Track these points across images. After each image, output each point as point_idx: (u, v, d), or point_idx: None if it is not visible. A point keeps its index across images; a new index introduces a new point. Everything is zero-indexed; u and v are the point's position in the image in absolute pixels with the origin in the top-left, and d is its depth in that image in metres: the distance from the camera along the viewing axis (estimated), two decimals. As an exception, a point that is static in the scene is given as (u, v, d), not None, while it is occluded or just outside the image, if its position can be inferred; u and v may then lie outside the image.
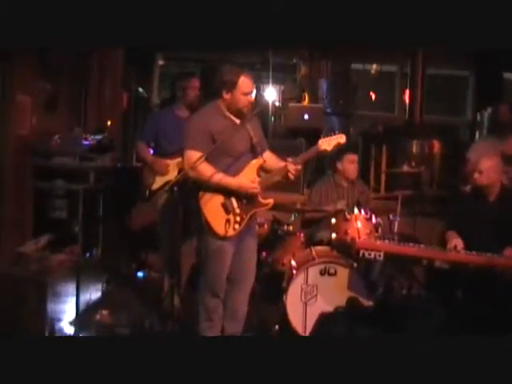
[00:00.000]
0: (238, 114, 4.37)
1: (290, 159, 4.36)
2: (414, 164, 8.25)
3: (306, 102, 9.26)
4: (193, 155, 4.24)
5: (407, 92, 10.48)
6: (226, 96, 4.32)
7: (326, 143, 4.35)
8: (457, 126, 10.91)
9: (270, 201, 4.45)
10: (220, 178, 4.26)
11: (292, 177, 4.35)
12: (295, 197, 6.63)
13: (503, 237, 4.67)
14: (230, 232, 4.33)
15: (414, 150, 8.72)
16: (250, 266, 4.56)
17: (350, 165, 6.00)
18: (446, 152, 8.75)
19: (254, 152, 4.45)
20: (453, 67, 11.16)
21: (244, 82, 4.28)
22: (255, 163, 4.44)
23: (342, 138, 4.37)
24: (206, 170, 4.25)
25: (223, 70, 4.34)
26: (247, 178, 4.36)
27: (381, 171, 7.91)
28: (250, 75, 4.35)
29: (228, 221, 4.32)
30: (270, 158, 4.53)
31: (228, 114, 4.38)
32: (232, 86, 4.27)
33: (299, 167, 4.35)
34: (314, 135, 7.78)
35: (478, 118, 10.19)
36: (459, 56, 10.33)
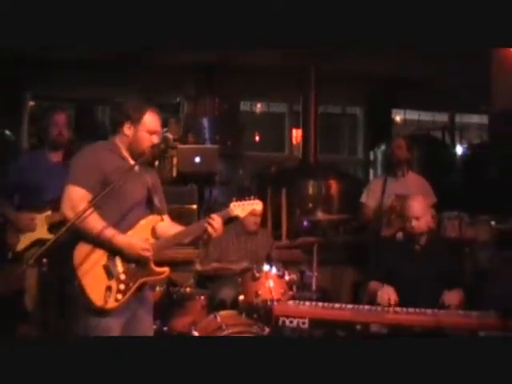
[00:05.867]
0: (137, 156, 3.62)
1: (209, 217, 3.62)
2: (312, 206, 7.74)
3: (191, 144, 8.51)
4: (76, 193, 3.42)
5: (295, 131, 10.12)
6: (128, 132, 3.59)
7: (240, 209, 3.66)
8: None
9: (165, 270, 3.60)
10: (112, 234, 3.42)
11: (214, 234, 3.58)
12: (189, 251, 5.77)
13: (437, 284, 4.38)
14: (111, 303, 3.41)
15: (311, 191, 8.14)
16: None
17: (251, 217, 5.28)
18: (344, 192, 8.24)
19: (151, 207, 3.67)
20: (342, 105, 10.95)
21: (150, 118, 3.60)
22: (152, 220, 3.63)
23: (258, 205, 3.70)
24: (96, 222, 3.40)
25: (128, 102, 3.67)
26: (140, 236, 3.54)
27: (281, 216, 7.21)
28: (158, 113, 3.66)
29: (109, 288, 3.42)
30: (166, 223, 3.76)
31: (125, 154, 3.63)
32: (136, 120, 3.57)
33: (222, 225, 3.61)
34: (207, 180, 7.12)
35: (371, 156, 9.99)
36: (348, 94, 10.16)
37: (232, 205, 3.64)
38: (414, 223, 4.48)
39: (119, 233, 3.46)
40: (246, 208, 3.66)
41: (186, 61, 8.51)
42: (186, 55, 8.10)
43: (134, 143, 3.59)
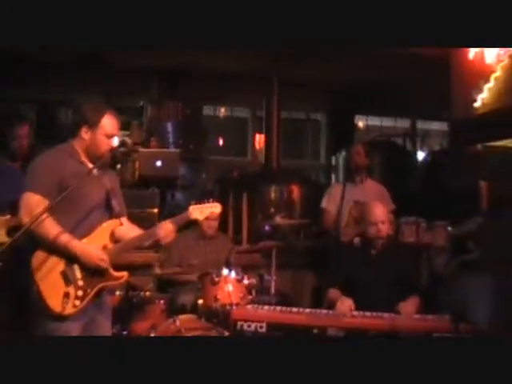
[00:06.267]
0: (95, 160, 3.61)
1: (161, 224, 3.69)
2: (274, 210, 7.76)
3: (154, 148, 8.45)
4: (32, 199, 3.42)
5: (259, 136, 10.13)
6: (85, 135, 3.58)
7: (198, 211, 3.70)
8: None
9: (124, 274, 3.64)
10: (68, 239, 3.43)
11: (163, 242, 3.65)
12: (149, 255, 5.74)
13: (394, 289, 4.46)
14: (69, 309, 3.43)
15: (273, 196, 8.17)
16: None
17: (208, 222, 5.29)
18: (306, 197, 8.28)
19: (110, 210, 3.67)
20: (305, 110, 10.98)
21: (108, 121, 3.59)
22: (110, 224, 3.64)
23: (216, 208, 3.77)
24: (51, 227, 3.41)
25: (85, 105, 3.63)
26: (98, 242, 3.55)
27: (242, 220, 7.22)
28: (116, 116, 3.65)
29: (67, 294, 3.43)
30: (126, 225, 3.78)
31: (84, 158, 3.62)
32: (94, 124, 3.55)
33: (172, 230, 3.64)
34: (168, 184, 7.10)
35: (333, 161, 10.06)
36: (311, 99, 10.21)
37: (191, 208, 3.68)
38: (381, 227, 4.55)
39: (75, 238, 3.46)
40: (205, 211, 3.70)
41: (149, 64, 8.48)
42: (149, 58, 8.07)
43: (92, 147, 3.59)
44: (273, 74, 8.58)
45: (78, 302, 3.44)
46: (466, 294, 4.82)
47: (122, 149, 3.72)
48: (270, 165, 8.60)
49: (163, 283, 5.31)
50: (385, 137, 10.54)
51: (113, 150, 3.60)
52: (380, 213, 4.61)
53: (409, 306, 4.27)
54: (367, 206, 4.77)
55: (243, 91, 9.43)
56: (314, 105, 10.71)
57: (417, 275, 4.85)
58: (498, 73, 6.26)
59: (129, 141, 3.63)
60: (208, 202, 3.71)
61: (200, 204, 3.69)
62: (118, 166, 7.97)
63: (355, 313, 4.07)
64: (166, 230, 3.58)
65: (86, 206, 3.55)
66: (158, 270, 5.08)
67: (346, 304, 4.18)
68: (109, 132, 3.58)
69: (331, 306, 4.38)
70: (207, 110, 10.27)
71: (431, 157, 9.62)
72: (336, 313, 4.08)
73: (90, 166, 3.60)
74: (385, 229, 4.58)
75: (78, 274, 3.48)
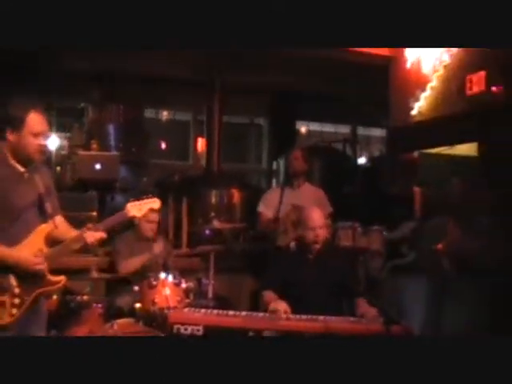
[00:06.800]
0: (25, 161, 3.49)
1: (89, 226, 3.57)
2: (214, 214, 7.80)
3: (94, 150, 8.36)
4: None
5: (200, 140, 10.16)
6: (11, 137, 3.43)
7: (136, 208, 3.62)
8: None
9: (61, 278, 3.57)
10: None
11: (91, 247, 3.64)
12: (87, 259, 5.67)
13: (331, 293, 4.50)
14: (6, 319, 3.35)
15: (214, 200, 8.21)
16: None
17: (147, 224, 5.27)
18: (246, 201, 8.35)
19: (43, 213, 3.57)
20: (247, 115, 11.05)
21: (34, 119, 3.42)
22: (44, 228, 3.54)
23: (155, 203, 3.68)
24: None
25: (8, 105, 3.48)
26: (33, 248, 3.46)
27: (181, 225, 7.20)
28: (42, 112, 3.49)
29: (3, 304, 3.34)
30: (61, 226, 3.68)
31: (12, 161, 3.48)
32: (19, 123, 3.40)
33: (102, 235, 3.57)
34: (107, 187, 7.07)
35: (274, 166, 10.16)
36: (254, 104, 10.27)
37: (129, 205, 3.61)
38: (319, 232, 4.59)
39: (3, 245, 3.36)
40: (143, 207, 3.63)
41: (92, 65, 8.38)
42: (91, 59, 7.98)
43: (19, 147, 3.45)
44: (215, 78, 8.62)
45: (14, 311, 3.36)
46: (399, 297, 4.96)
47: (61, 152, 3.65)
48: (210, 169, 8.64)
49: (113, 285, 5.26)
50: (326, 142, 10.69)
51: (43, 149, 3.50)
52: (317, 218, 4.66)
53: (371, 309, 4.28)
54: (305, 212, 4.81)
55: (185, 95, 9.44)
56: (257, 110, 10.78)
57: (354, 279, 4.91)
58: (434, 82, 6.44)
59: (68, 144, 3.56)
60: (146, 198, 3.65)
61: (137, 201, 3.62)
62: (58, 168, 7.90)
63: (290, 316, 4.11)
64: (92, 234, 3.52)
65: (18, 210, 3.45)
66: (95, 274, 5.03)
67: (279, 307, 4.20)
68: (35, 131, 3.42)
69: (267, 308, 4.41)
70: (149, 113, 10.23)
71: (371, 162, 9.83)
72: (272, 316, 4.11)
73: (20, 168, 3.49)
74: (322, 234, 4.64)
75: (14, 281, 3.39)
